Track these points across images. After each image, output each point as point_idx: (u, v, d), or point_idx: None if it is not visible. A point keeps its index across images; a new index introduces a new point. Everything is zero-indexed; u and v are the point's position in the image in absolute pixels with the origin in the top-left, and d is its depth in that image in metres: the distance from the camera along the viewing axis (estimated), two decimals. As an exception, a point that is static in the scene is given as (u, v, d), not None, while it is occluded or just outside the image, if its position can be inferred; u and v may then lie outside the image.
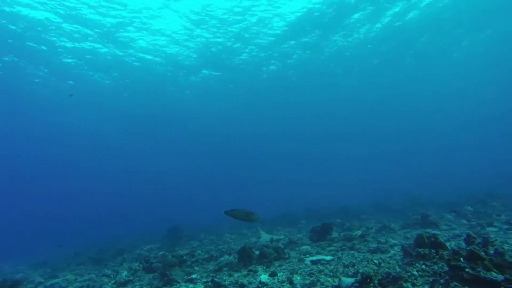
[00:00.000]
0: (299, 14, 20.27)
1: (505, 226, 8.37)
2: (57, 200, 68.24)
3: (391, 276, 3.64)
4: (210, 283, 4.77)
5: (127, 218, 39.90)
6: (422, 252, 4.28)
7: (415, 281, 3.61)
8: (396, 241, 7.58)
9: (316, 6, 19.58)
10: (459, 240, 7.13)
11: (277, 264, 7.03)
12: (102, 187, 70.51)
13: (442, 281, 3.36)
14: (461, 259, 3.37)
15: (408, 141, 61.36)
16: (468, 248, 3.58)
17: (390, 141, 60.84)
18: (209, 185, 74.39)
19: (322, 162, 70.63)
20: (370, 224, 12.09)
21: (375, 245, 7.71)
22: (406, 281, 3.59)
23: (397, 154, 67.63)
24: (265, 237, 11.83)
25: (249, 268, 6.95)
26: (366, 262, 5.56)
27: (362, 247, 7.55)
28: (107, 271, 9.01)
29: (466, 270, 3.13)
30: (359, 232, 9.04)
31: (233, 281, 5.88)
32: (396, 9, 20.99)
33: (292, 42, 24.35)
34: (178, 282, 6.48)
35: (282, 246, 9.32)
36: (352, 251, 7.29)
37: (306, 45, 24.85)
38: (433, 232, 8.72)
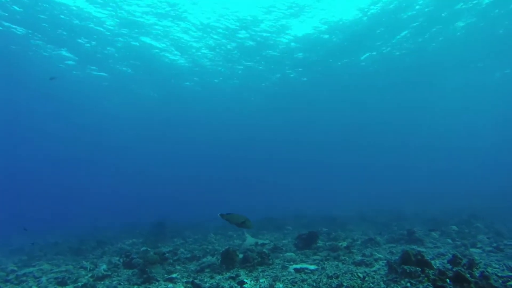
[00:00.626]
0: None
1: (488, 248, 8.44)
2: (46, 189, 66.83)
3: (375, 292, 3.58)
4: (190, 285, 4.62)
5: (113, 211, 39.15)
6: (407, 270, 4.23)
7: (399, 299, 3.55)
8: (381, 255, 7.56)
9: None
10: (444, 259, 7.16)
11: (260, 270, 6.91)
12: (94, 180, 69.52)
13: (426, 301, 3.30)
14: (448, 280, 3.33)
15: (397, 157, 62.29)
16: (454, 270, 3.54)
17: (380, 155, 61.68)
18: (198, 185, 73.77)
19: (311, 168, 71.03)
20: (355, 236, 12.09)
21: (359, 258, 7.68)
22: (390, 298, 3.53)
23: (385, 167, 68.43)
24: (250, 240, 11.71)
25: (232, 271, 6.82)
26: (350, 275, 5.50)
27: (347, 258, 7.50)
28: (86, 263, 8.75)
29: (452, 292, 3.08)
30: (344, 243, 9.01)
31: (214, 284, 5.75)
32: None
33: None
34: (158, 281, 6.31)
35: (266, 252, 9.23)
36: (337, 262, 7.24)
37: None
38: (418, 249, 8.76)
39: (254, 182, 74.21)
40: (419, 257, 4.58)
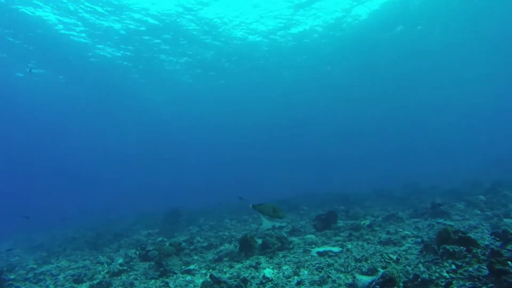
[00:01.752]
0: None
1: (523, 217, 7.89)
2: (62, 180, 68.45)
3: (419, 279, 3.13)
4: (209, 279, 4.27)
5: (126, 202, 39.70)
6: (450, 250, 3.75)
7: (450, 286, 3.09)
8: (408, 232, 7.10)
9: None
10: (478, 232, 6.65)
11: (281, 255, 6.57)
12: (106, 170, 70.65)
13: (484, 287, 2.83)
14: (509, 262, 2.83)
15: (405, 129, 60.71)
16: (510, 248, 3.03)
17: (388, 129, 60.22)
18: (210, 171, 74.13)
19: (319, 148, 70.27)
20: (375, 212, 11.67)
21: (385, 236, 7.24)
22: (437, 285, 3.07)
23: (395, 142, 66.99)
24: (266, 224, 11.42)
25: (251, 259, 6.50)
26: (380, 256, 5.07)
27: (371, 237, 7.08)
28: (102, 258, 8.61)
29: (518, 277, 2.59)
30: (367, 221, 8.57)
31: (234, 274, 5.42)
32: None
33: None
34: (175, 273, 6.04)
35: (285, 235, 8.89)
36: (361, 242, 6.82)
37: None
38: (445, 222, 8.27)
39: (264, 165, 74.14)
40: (460, 234, 4.08)
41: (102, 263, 7.99)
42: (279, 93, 39.11)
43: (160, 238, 11.57)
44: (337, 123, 54.59)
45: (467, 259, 3.57)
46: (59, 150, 56.37)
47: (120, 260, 8.23)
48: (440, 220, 8.49)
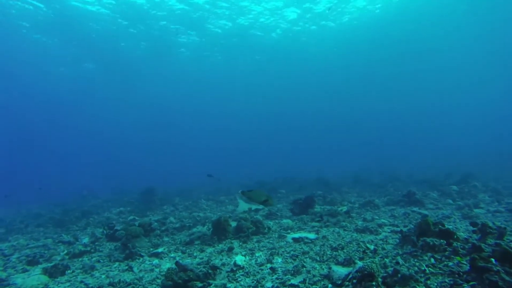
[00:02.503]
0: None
1: (492, 208, 8.08)
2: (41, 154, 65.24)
3: (399, 275, 2.92)
4: (174, 265, 3.92)
5: (102, 179, 38.35)
6: (430, 243, 3.60)
7: (428, 281, 2.91)
8: (385, 220, 7.06)
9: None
10: (451, 222, 6.70)
11: (255, 240, 6.34)
12: (83, 147, 67.86)
13: (466, 286, 2.65)
14: (492, 259, 2.65)
15: (387, 119, 62.26)
16: (495, 244, 2.86)
17: (376, 120, 61.50)
18: (189, 151, 72.91)
19: (300, 132, 70.83)
20: (352, 198, 11.73)
21: (361, 223, 7.18)
22: (417, 281, 2.88)
23: (379, 132, 68.61)
24: (243, 206, 11.19)
25: (224, 243, 6.22)
26: (356, 245, 4.91)
27: (348, 224, 6.98)
28: (65, 236, 8.05)
29: (503, 276, 2.41)
30: (344, 208, 8.50)
31: (204, 259, 5.11)
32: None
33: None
34: (142, 256, 5.66)
35: (261, 219, 8.69)
36: (338, 229, 6.71)
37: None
38: (419, 211, 8.36)
39: (246, 147, 73.95)
40: (440, 226, 3.93)
41: (64, 242, 7.45)
42: (268, 81, 38.69)
43: (131, 217, 11.09)
44: (324, 112, 55.26)
45: (446, 253, 3.43)
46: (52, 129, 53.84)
47: (86, 240, 7.74)
48: (415, 209, 8.57)
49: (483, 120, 59.95)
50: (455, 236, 3.74)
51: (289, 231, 6.88)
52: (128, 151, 71.05)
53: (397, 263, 3.52)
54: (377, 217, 7.73)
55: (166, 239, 7.14)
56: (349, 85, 42.58)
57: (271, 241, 6.12)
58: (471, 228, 5.89)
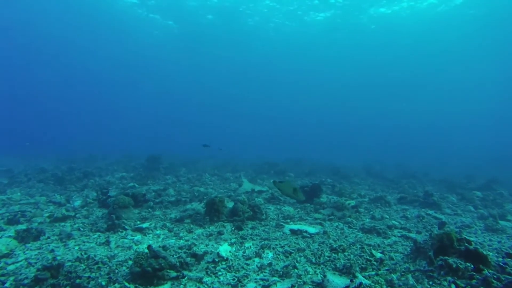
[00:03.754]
0: None
1: (520, 223, 7.18)
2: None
3: (411, 305, 2.27)
4: (146, 249, 3.43)
5: (117, 141, 39.05)
6: (454, 265, 2.90)
7: (448, 320, 2.25)
8: (395, 222, 6.34)
9: None
10: (471, 233, 5.91)
11: (250, 226, 5.82)
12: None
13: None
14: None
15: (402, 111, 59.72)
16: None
17: (385, 108, 59.11)
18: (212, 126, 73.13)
19: (316, 116, 69.32)
20: (363, 191, 10.98)
21: (369, 221, 6.51)
22: (433, 317, 2.23)
23: (390, 123, 66.10)
24: (246, 186, 10.71)
25: (216, 225, 5.74)
26: (360, 250, 4.27)
27: (354, 221, 6.32)
28: (58, 197, 7.84)
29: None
30: (352, 202, 7.81)
31: (189, 243, 4.63)
32: None
33: None
34: (125, 229, 5.26)
35: (262, 201, 8.17)
36: (342, 225, 6.07)
37: None
38: (435, 214, 7.57)
39: (257, 127, 73.30)
40: (467, 244, 3.21)
41: (55, 203, 7.22)
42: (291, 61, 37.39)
43: (131, 184, 10.85)
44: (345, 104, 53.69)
45: (474, 282, 2.74)
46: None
47: (77, 203, 7.48)
48: (430, 212, 7.78)
49: (504, 123, 56.51)
50: (487, 260, 3.02)
51: (288, 220, 6.31)
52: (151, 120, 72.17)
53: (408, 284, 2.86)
54: (387, 216, 7.02)
55: (157, 212, 6.74)
56: (369, 81, 40.84)
57: (266, 230, 5.58)
58: (498, 246, 5.12)
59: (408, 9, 23.83)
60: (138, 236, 5.00)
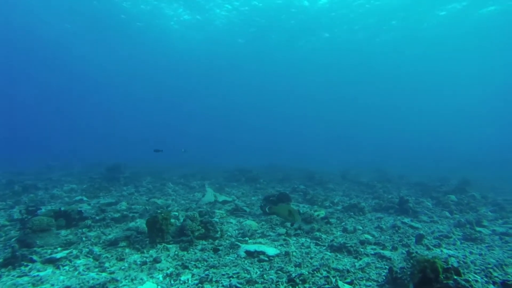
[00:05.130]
0: None
1: (498, 228, 6.70)
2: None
3: None
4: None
5: (77, 150, 36.52)
6: (440, 311, 2.11)
7: None
8: (369, 236, 5.60)
9: None
10: (450, 244, 5.28)
11: (199, 247, 4.85)
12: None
13: None
14: None
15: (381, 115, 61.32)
16: None
17: (366, 113, 60.44)
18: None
19: (291, 120, 69.69)
20: (336, 198, 10.30)
21: (340, 234, 5.74)
22: None
23: (369, 126, 67.63)
24: (209, 196, 9.70)
25: (157, 248, 4.71)
26: (324, 279, 3.42)
27: (323, 236, 5.52)
28: (-27, 217, 6.45)
29: None
30: (322, 213, 7.03)
31: (107, 279, 3.58)
32: None
33: None
34: (33, 261, 4.10)
35: (224, 214, 7.22)
36: (309, 241, 5.24)
37: None
38: (411, 223, 6.94)
39: (231, 132, 72.42)
40: (456, 277, 2.44)
41: (-36, 226, 5.85)
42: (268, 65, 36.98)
43: (79, 197, 9.52)
44: (323, 102, 54.14)
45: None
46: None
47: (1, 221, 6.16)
48: (406, 220, 7.16)
49: (475, 123, 59.48)
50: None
51: (247, 238, 5.39)
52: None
53: None
54: (360, 228, 6.29)
55: (92, 233, 5.59)
56: (348, 80, 41.31)
57: (218, 252, 4.63)
58: (481, 261, 4.48)
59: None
60: (48, 271, 3.87)
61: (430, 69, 35.24)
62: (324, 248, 4.92)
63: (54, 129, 62.30)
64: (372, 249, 4.83)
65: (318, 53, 32.54)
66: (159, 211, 7.83)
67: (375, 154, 41.24)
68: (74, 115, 65.92)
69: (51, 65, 38.15)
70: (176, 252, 4.58)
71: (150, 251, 4.62)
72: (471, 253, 5.02)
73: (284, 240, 5.30)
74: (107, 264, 4.07)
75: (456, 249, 5.19)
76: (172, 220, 6.42)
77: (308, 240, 5.37)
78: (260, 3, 23.52)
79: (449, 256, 4.67)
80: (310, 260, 4.26)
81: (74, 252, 4.48)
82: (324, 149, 50.30)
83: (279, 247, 4.91)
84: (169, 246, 4.85)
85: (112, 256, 4.40)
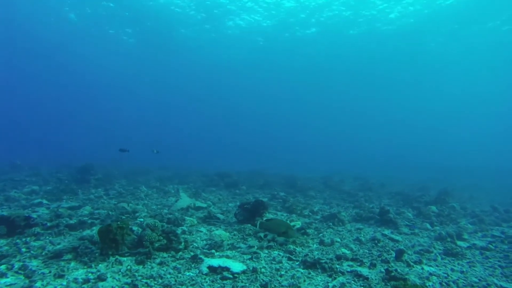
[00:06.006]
0: None
1: (479, 242, 6.48)
2: None
3: None
4: None
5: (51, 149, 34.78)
6: None
7: None
8: (346, 251, 5.20)
9: None
10: (431, 260, 4.95)
11: (158, 261, 4.29)
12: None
13: None
14: None
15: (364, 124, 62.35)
16: None
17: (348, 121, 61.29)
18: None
19: (277, 126, 69.77)
20: (316, 206, 9.93)
21: (316, 247, 5.32)
22: None
23: (351, 134, 68.58)
24: (183, 201, 9.11)
25: (108, 262, 4.12)
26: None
27: (298, 249, 5.08)
28: None
29: None
30: (298, 224, 6.61)
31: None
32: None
33: None
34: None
35: (195, 222, 6.67)
36: (281, 256, 4.78)
37: None
38: (391, 235, 6.62)
39: (216, 136, 71.61)
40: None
41: None
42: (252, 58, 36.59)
43: (38, 200, 8.71)
44: (311, 107, 54.35)
45: None
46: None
47: None
48: (386, 232, 6.84)
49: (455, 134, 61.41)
50: None
51: (213, 251, 4.86)
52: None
53: None
54: (338, 240, 5.90)
55: (36, 243, 4.92)
56: (332, 86, 41.64)
57: (178, 267, 4.09)
58: (463, 280, 4.15)
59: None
60: (-36, 290, 3.22)
61: (409, 78, 35.90)
62: (297, 263, 4.47)
63: (27, 125, 59.33)
64: (349, 265, 4.41)
65: (302, 56, 32.53)
66: (123, 217, 7.19)
67: (359, 161, 41.57)
68: (53, 111, 63.17)
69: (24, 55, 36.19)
70: (129, 267, 4.00)
71: (100, 265, 4.02)
72: (452, 270, 4.70)
73: (255, 253, 4.82)
74: (38, 284, 3.45)
75: (437, 266, 4.87)
76: (135, 228, 5.85)
77: (281, 253, 4.91)
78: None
79: (431, 274, 4.32)
80: (279, 278, 3.80)
81: (2, 268, 3.82)
82: (309, 155, 50.38)
83: (248, 262, 4.43)
84: (123, 259, 4.27)
85: (50, 272, 3.77)
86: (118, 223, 4.57)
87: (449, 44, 26.78)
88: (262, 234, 5.72)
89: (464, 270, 4.77)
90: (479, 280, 4.35)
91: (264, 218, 6.80)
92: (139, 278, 3.71)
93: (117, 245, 4.43)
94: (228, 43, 29.99)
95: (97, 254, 4.31)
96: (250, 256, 4.68)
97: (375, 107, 51.18)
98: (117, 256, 4.31)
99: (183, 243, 4.90)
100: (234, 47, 31.27)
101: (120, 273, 3.82)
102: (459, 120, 55.44)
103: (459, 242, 6.40)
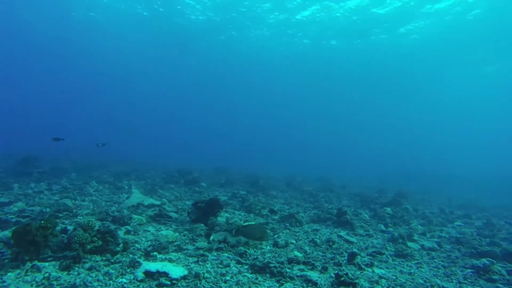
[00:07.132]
0: None
1: (426, 244, 6.66)
2: None
3: None
4: None
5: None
6: None
7: None
8: (299, 253, 5.02)
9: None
10: (381, 261, 4.93)
11: (87, 266, 3.75)
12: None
13: None
14: None
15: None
16: None
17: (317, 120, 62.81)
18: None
19: (243, 124, 69.72)
20: (277, 206, 9.76)
21: (268, 250, 5.06)
22: None
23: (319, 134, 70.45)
24: (134, 198, 8.43)
25: (20, 270, 3.49)
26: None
27: (250, 251, 4.79)
28: None
29: None
30: (252, 224, 6.32)
31: None
32: None
33: None
34: None
35: (144, 220, 6.11)
36: (229, 259, 4.44)
37: None
38: (347, 237, 6.60)
39: (185, 131, 69.81)
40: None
41: None
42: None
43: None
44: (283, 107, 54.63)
45: None
46: None
47: None
48: (342, 233, 6.81)
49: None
50: None
51: (156, 253, 4.40)
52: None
53: None
54: (293, 241, 5.71)
55: None
56: (303, 87, 42.13)
57: (110, 272, 3.59)
58: (410, 283, 4.12)
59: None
60: None
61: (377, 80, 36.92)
62: (246, 267, 4.17)
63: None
64: (299, 269, 4.20)
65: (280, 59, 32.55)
66: (61, 214, 6.41)
67: (323, 161, 42.58)
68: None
69: None
70: (47, 274, 3.42)
71: (8, 274, 3.39)
72: (401, 272, 4.71)
73: (202, 255, 4.44)
74: None
75: (387, 267, 4.86)
76: (70, 228, 5.18)
77: (231, 256, 4.59)
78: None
79: (380, 277, 4.25)
80: (222, 285, 3.46)
81: None
82: (277, 155, 50.71)
83: (192, 265, 4.04)
84: (42, 264, 3.66)
85: None
86: (42, 222, 3.94)
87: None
88: (214, 234, 5.36)
89: (412, 271, 4.81)
90: (424, 281, 4.37)
91: (232, 220, 6.44)
92: (63, 286, 3.17)
93: (37, 248, 3.81)
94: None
95: (6, 260, 3.65)
96: (196, 259, 4.29)
97: (358, 110, 52.42)
98: (35, 262, 3.69)
99: (121, 245, 4.38)
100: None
101: (33, 282, 3.24)
102: (435, 127, 59.32)
103: (409, 243, 6.54)
